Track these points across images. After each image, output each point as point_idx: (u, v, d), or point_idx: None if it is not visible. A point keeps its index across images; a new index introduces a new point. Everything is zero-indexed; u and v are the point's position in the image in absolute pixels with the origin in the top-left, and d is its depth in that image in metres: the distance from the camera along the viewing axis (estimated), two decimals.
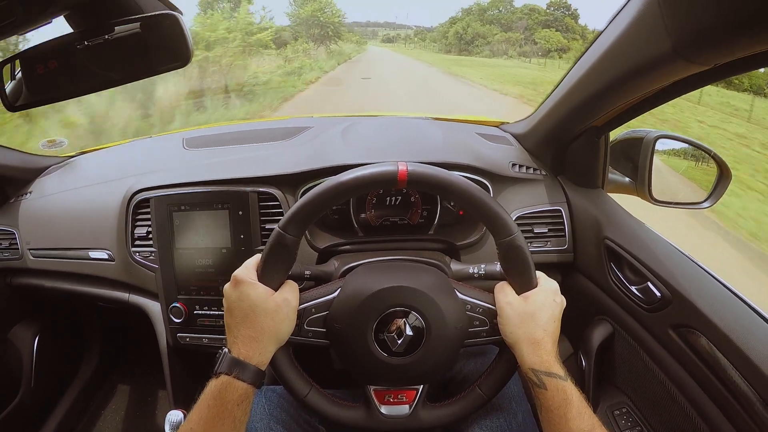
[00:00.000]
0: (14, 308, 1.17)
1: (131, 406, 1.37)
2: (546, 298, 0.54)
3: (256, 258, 0.55)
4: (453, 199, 0.53)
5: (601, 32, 0.60)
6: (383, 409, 0.58)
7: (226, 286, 0.54)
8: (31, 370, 1.17)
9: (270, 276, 0.53)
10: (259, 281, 0.53)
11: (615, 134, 0.86)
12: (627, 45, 0.55)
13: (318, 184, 0.54)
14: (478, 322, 0.57)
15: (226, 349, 0.51)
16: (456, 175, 0.53)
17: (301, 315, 0.56)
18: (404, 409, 0.58)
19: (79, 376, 1.34)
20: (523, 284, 0.55)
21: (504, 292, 0.55)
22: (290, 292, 0.54)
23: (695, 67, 0.49)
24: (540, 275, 0.56)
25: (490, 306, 0.56)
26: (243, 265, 0.55)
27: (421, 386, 0.58)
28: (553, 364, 0.52)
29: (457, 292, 0.57)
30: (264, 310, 0.51)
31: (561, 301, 0.56)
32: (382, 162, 0.53)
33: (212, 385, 0.49)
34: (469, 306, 0.57)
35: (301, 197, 0.63)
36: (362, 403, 0.59)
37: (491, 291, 0.58)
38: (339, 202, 0.54)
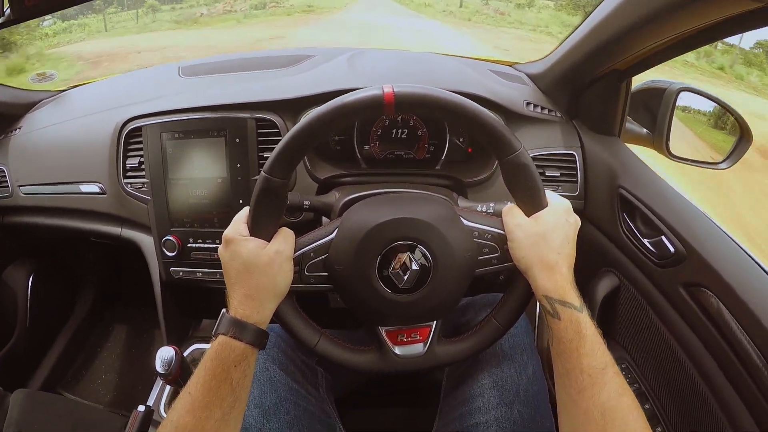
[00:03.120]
0: (7, 248, 1.15)
1: (126, 345, 1.37)
2: (558, 218, 0.50)
3: (245, 211, 0.52)
4: (450, 118, 0.48)
5: None
6: (397, 350, 0.55)
7: (220, 247, 0.51)
8: (26, 310, 1.17)
9: (261, 226, 0.49)
10: (250, 235, 0.49)
11: (635, 82, 0.81)
12: None
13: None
14: (487, 249, 0.53)
15: (224, 310, 0.49)
16: (450, 93, 0.47)
17: (300, 261, 0.52)
18: (419, 348, 0.56)
19: (74, 315, 1.34)
20: (532, 204, 0.50)
21: (512, 215, 0.51)
22: (282, 241, 0.50)
23: (748, 2, 0.44)
24: (550, 194, 0.52)
25: (499, 231, 0.53)
26: (232, 221, 0.52)
27: (435, 322, 0.56)
28: (568, 292, 0.48)
29: (463, 219, 0.54)
30: (256, 266, 0.48)
31: (575, 221, 0.51)
32: (366, 87, 0.47)
33: (211, 348, 0.47)
34: (476, 233, 0.53)
35: None
36: (375, 346, 0.56)
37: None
38: (326, 134, 0.50)
